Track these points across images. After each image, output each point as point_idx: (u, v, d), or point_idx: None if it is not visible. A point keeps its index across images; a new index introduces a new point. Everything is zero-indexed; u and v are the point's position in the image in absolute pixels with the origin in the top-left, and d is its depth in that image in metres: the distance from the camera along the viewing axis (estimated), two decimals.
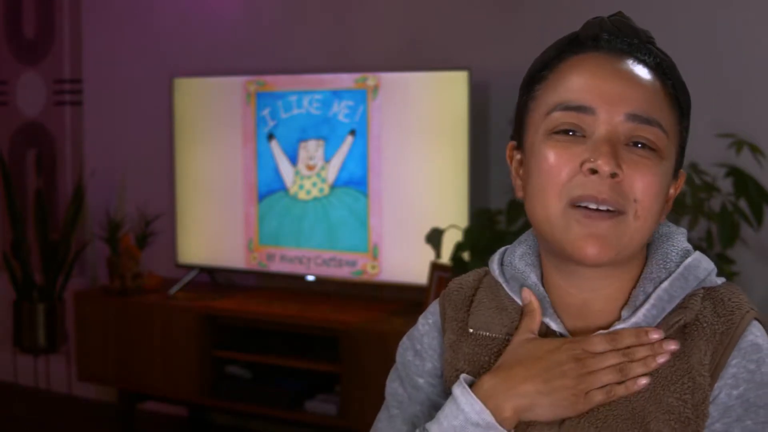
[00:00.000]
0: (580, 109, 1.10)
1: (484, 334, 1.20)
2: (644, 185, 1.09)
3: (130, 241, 4.21)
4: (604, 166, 1.07)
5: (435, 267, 3.46)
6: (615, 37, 1.13)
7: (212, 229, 4.08)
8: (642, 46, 1.13)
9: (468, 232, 3.35)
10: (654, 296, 1.12)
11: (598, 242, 1.09)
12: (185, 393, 3.92)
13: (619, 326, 1.12)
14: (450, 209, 3.55)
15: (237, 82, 3.92)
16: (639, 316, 1.12)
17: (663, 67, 1.13)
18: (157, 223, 4.30)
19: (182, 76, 4.10)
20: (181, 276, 4.20)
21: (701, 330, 1.11)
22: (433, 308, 1.29)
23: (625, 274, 1.15)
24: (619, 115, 1.09)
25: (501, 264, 1.25)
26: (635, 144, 1.09)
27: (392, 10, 3.91)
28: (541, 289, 1.18)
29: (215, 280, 4.27)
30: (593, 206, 1.09)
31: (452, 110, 3.55)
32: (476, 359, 1.20)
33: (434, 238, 3.35)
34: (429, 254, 3.41)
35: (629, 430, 1.09)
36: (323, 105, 3.67)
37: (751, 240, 3.28)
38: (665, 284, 1.13)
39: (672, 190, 1.16)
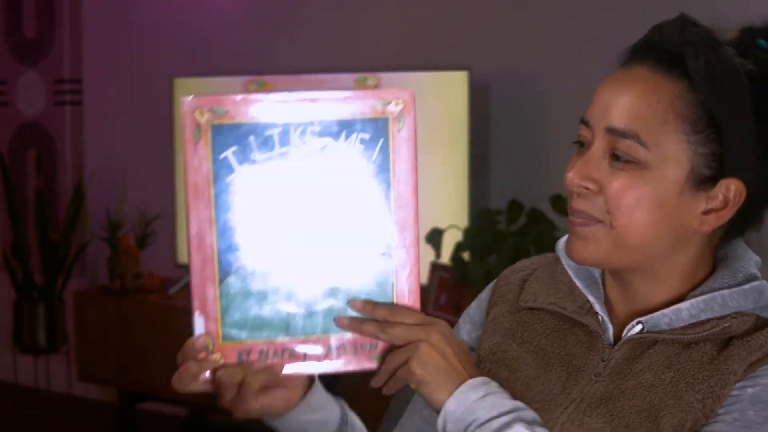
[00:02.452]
0: (584, 122, 1.14)
1: (531, 305, 1.24)
2: (615, 195, 1.11)
3: (130, 241, 4.21)
4: (567, 180, 1.12)
5: (435, 267, 3.46)
6: (650, 50, 1.12)
7: None
8: (675, 56, 1.10)
9: (468, 232, 3.34)
10: (709, 295, 1.13)
11: (579, 243, 1.14)
12: (185, 393, 3.91)
13: (659, 312, 1.14)
14: (450, 209, 3.55)
15: (237, 82, 3.92)
16: (686, 303, 1.13)
17: (700, 76, 1.09)
18: (157, 223, 4.29)
19: (182, 76, 4.10)
20: (181, 276, 4.20)
21: (747, 345, 1.10)
22: (490, 285, 1.33)
23: (674, 287, 1.16)
24: (603, 128, 1.12)
25: None
26: (616, 156, 1.11)
27: (392, 10, 3.91)
28: (595, 272, 1.22)
29: None
30: (570, 215, 1.15)
31: (452, 110, 3.55)
32: (512, 331, 1.23)
33: (434, 238, 3.35)
34: (429, 254, 3.41)
35: (641, 423, 1.10)
36: None
37: (751, 240, 3.28)
38: (725, 291, 1.13)
39: (708, 205, 1.12)
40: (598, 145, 1.12)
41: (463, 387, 1.08)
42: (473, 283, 3.20)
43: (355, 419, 1.22)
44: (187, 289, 1.11)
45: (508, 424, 1.06)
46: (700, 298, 1.13)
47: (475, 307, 1.32)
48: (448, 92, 3.56)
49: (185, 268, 4.30)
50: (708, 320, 1.12)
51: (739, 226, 1.17)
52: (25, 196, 4.75)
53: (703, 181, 1.11)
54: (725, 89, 1.09)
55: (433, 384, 1.08)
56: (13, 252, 4.55)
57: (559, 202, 3.21)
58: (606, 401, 1.13)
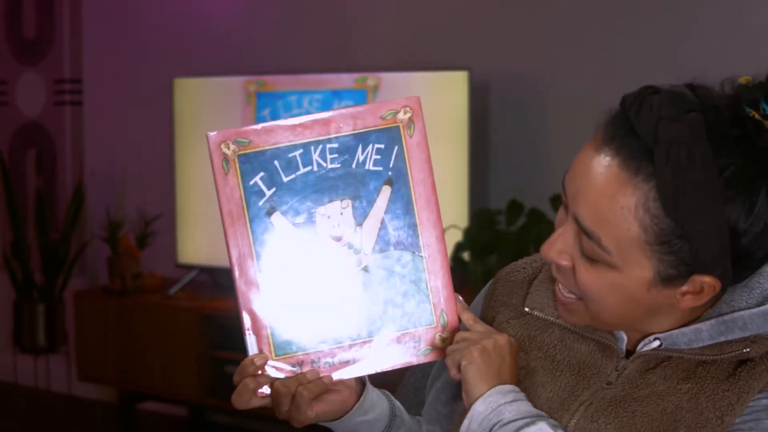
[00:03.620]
0: (563, 187, 1.13)
1: (537, 314, 1.23)
2: (583, 285, 1.11)
3: (130, 241, 4.21)
4: (543, 253, 1.13)
5: None
6: (626, 138, 1.05)
7: (212, 229, 4.08)
8: (648, 151, 1.02)
9: (468, 232, 3.34)
10: (729, 316, 1.11)
11: (565, 311, 1.16)
12: (185, 393, 3.92)
13: (679, 330, 1.12)
14: (450, 209, 3.55)
15: (237, 82, 3.92)
16: (706, 324, 1.11)
17: (667, 187, 1.02)
18: (157, 223, 4.29)
19: (182, 76, 4.10)
20: (181, 276, 4.20)
21: (765, 363, 1.09)
22: (486, 287, 1.33)
23: (684, 320, 1.14)
24: (572, 215, 1.10)
25: None
26: (583, 252, 1.10)
27: (392, 10, 3.91)
28: None
29: (215, 280, 4.27)
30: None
31: (452, 110, 3.55)
32: (518, 339, 1.22)
33: None
34: None
35: (654, 431, 1.09)
36: (323, 105, 3.68)
37: None
38: (745, 313, 1.10)
39: (683, 288, 1.08)
40: (571, 226, 1.10)
41: (492, 391, 1.10)
42: (473, 283, 3.20)
43: (401, 410, 1.24)
44: (187, 288, 1.14)
45: (532, 422, 1.08)
46: (720, 319, 1.11)
47: (473, 308, 1.32)
48: (448, 92, 3.56)
49: (185, 268, 4.31)
50: (727, 342, 1.10)
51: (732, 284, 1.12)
52: (25, 196, 4.75)
53: (672, 279, 1.07)
54: (693, 205, 1.02)
55: (479, 371, 1.11)
56: (13, 252, 4.55)
57: (559, 202, 3.20)
58: (616, 405, 1.12)
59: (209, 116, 3.99)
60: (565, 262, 1.11)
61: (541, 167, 3.58)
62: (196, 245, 4.14)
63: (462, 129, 3.52)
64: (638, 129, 1.03)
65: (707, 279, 1.06)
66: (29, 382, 4.81)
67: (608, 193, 1.05)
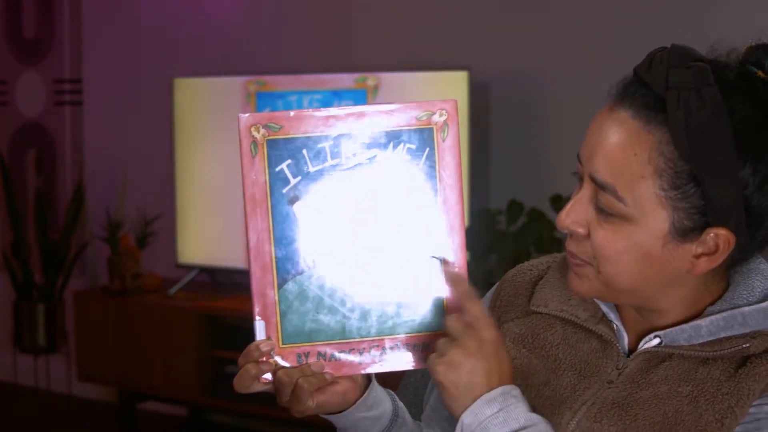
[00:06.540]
0: (578, 158, 1.13)
1: (542, 310, 1.23)
2: (599, 246, 1.11)
3: (130, 241, 4.21)
4: (558, 222, 1.14)
5: None
6: (638, 90, 1.09)
7: (212, 229, 4.08)
8: (660, 100, 1.06)
9: (468, 232, 3.34)
10: (728, 312, 1.11)
11: (575, 278, 1.15)
12: (185, 393, 3.92)
13: (678, 327, 1.13)
14: None
15: (237, 82, 3.92)
16: (705, 320, 1.12)
17: (679, 129, 1.04)
18: (157, 223, 4.29)
19: (182, 76, 4.10)
20: (181, 276, 4.20)
21: (765, 363, 1.09)
22: (492, 289, 1.33)
23: (687, 308, 1.15)
24: (588, 174, 1.11)
25: None
26: (600, 208, 1.11)
27: (392, 10, 3.91)
28: None
29: (215, 280, 4.27)
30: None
31: None
32: (522, 337, 1.22)
33: None
34: None
35: None
36: (323, 105, 3.68)
37: None
38: (745, 309, 1.11)
39: (698, 249, 1.09)
40: (586, 190, 1.12)
41: (479, 401, 1.08)
42: (473, 283, 3.20)
43: (404, 411, 1.23)
44: (187, 288, 1.14)
45: None
46: (719, 315, 1.11)
47: None
48: (448, 92, 3.56)
49: (185, 268, 4.31)
50: (727, 338, 1.11)
51: (746, 252, 1.13)
52: (25, 196, 4.75)
53: (688, 232, 1.08)
54: (705, 143, 1.04)
55: (449, 393, 1.09)
56: (13, 252, 4.55)
57: (559, 202, 3.21)
58: (618, 407, 1.12)
59: (209, 116, 3.99)
60: (580, 230, 1.12)
61: (541, 167, 3.58)
62: (196, 245, 4.13)
63: (462, 129, 3.50)
64: (649, 81, 1.06)
65: (722, 232, 1.07)
66: (29, 382, 4.81)
67: (622, 143, 1.07)
